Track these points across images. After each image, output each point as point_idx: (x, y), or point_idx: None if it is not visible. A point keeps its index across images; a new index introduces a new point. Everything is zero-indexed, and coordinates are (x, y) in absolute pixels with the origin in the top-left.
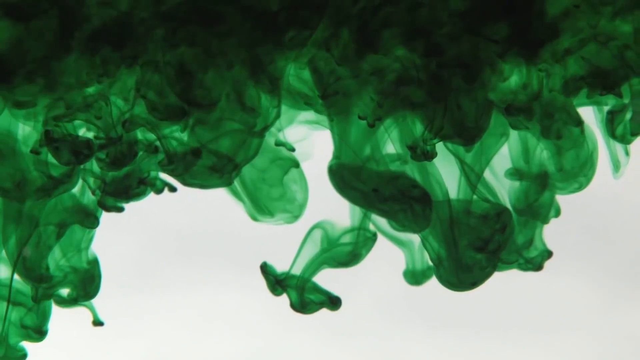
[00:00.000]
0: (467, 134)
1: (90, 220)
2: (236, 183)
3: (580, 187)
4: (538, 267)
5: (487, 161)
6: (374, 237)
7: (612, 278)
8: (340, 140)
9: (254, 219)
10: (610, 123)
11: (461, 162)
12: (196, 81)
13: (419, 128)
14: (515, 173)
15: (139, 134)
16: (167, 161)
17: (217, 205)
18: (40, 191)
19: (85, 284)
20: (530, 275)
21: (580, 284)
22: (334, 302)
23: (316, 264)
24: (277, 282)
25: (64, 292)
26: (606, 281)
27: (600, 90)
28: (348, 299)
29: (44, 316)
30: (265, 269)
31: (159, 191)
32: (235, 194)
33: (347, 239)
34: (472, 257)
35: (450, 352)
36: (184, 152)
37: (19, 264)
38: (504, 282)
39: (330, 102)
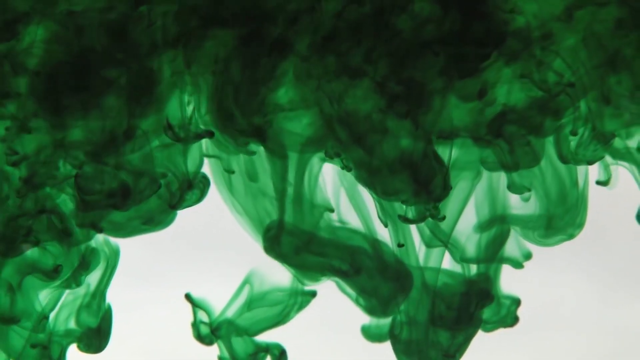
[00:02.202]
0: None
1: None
2: None
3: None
4: (514, 320)
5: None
6: (312, 296)
7: (608, 274)
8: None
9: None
10: (558, 146)
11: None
12: None
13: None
14: (481, 226)
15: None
16: None
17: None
18: None
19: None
20: (525, 271)
21: (576, 280)
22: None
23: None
24: (212, 331)
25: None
26: (601, 277)
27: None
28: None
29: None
30: (189, 299)
31: None
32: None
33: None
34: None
35: None
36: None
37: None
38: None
39: None
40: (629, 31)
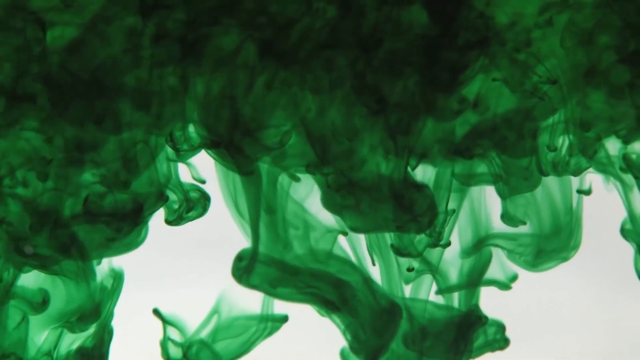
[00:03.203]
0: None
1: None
2: None
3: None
4: (505, 342)
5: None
6: (283, 321)
7: (606, 275)
8: None
9: None
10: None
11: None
12: None
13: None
14: (466, 252)
15: None
16: None
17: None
18: None
19: None
20: (523, 272)
21: (573, 281)
22: None
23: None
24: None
25: None
26: (599, 278)
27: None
28: None
29: None
30: (158, 315)
31: None
32: None
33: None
34: None
35: None
36: None
37: None
38: None
39: None
40: (607, 36)
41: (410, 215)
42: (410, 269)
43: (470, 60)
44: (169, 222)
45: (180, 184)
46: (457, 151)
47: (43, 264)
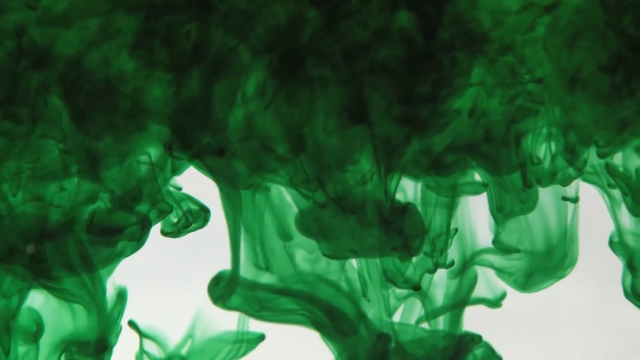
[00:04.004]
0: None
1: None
2: None
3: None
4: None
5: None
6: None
7: (603, 275)
8: None
9: None
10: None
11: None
12: None
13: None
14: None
15: None
16: None
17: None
18: None
19: None
20: None
21: (571, 282)
22: None
23: None
24: None
25: None
26: (596, 278)
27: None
28: None
29: None
30: (133, 327)
31: None
32: None
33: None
34: None
35: None
36: None
37: None
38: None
39: None
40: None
41: (400, 239)
42: (417, 288)
43: (456, 67)
44: (165, 233)
45: (180, 197)
46: (437, 166)
47: (54, 285)
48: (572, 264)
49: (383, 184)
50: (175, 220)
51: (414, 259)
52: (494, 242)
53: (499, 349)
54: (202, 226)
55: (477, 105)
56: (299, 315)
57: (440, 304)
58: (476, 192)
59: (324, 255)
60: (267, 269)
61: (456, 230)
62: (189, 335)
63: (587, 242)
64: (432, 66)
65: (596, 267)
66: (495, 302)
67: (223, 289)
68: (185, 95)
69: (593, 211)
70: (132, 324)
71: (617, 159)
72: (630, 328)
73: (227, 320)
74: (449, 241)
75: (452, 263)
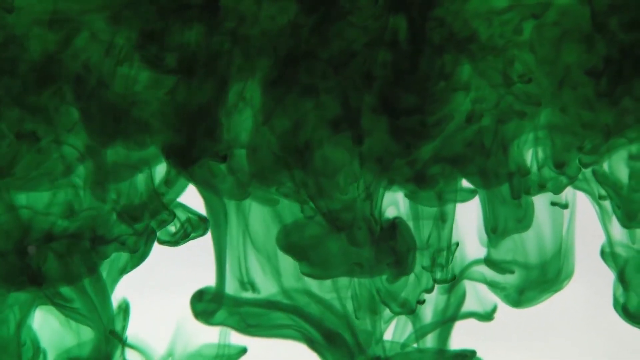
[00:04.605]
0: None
1: None
2: None
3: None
4: None
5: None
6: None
7: (599, 276)
8: None
9: None
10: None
11: None
12: None
13: None
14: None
15: None
16: None
17: None
18: None
19: None
20: None
21: (573, 281)
22: None
23: None
24: None
25: None
26: (592, 279)
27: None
28: None
29: None
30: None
31: None
32: None
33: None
34: None
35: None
36: None
37: None
38: None
39: None
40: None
41: (391, 257)
42: (421, 302)
43: (444, 71)
44: (162, 242)
45: (180, 208)
46: (420, 178)
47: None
48: (568, 276)
49: (372, 198)
50: (173, 230)
51: (409, 278)
52: (486, 260)
53: (493, 354)
54: (201, 235)
55: (475, 111)
56: (288, 330)
57: (429, 321)
58: (465, 200)
59: (304, 274)
60: (252, 287)
61: (457, 244)
62: (170, 353)
63: (583, 245)
64: (421, 72)
65: (597, 267)
66: (486, 316)
67: (207, 305)
68: (186, 101)
69: (589, 213)
70: (114, 333)
71: (607, 167)
72: (632, 328)
73: (209, 333)
74: (450, 257)
75: (454, 277)
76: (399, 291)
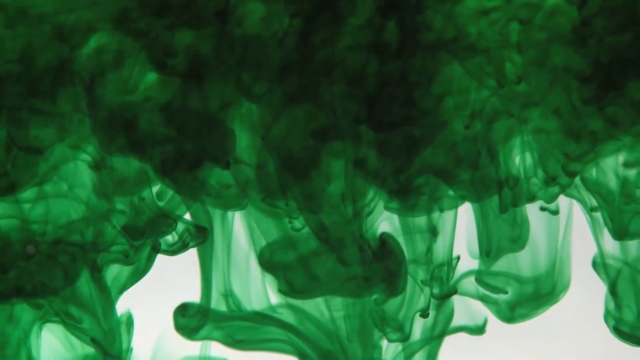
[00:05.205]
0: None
1: None
2: None
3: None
4: None
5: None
6: None
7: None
8: None
9: None
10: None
11: None
12: None
13: None
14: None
15: None
16: None
17: None
18: None
19: None
20: None
21: (572, 281)
22: None
23: None
24: None
25: None
26: (589, 279)
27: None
28: None
29: None
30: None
31: None
32: None
33: None
34: None
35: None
36: None
37: None
38: None
39: None
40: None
41: (382, 276)
42: (425, 315)
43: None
44: (160, 252)
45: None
46: (403, 191)
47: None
48: (564, 288)
49: (361, 214)
50: (171, 240)
51: (403, 300)
52: (478, 279)
53: (497, 352)
54: (199, 244)
55: (473, 116)
56: (277, 343)
57: (418, 338)
58: (453, 207)
59: (280, 292)
60: (238, 306)
61: (458, 257)
62: None
63: (588, 242)
64: (411, 80)
65: (591, 269)
66: (477, 330)
67: (190, 321)
68: (191, 106)
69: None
70: (94, 341)
71: (596, 174)
72: None
73: (191, 345)
74: (451, 272)
75: (455, 291)
76: (393, 314)
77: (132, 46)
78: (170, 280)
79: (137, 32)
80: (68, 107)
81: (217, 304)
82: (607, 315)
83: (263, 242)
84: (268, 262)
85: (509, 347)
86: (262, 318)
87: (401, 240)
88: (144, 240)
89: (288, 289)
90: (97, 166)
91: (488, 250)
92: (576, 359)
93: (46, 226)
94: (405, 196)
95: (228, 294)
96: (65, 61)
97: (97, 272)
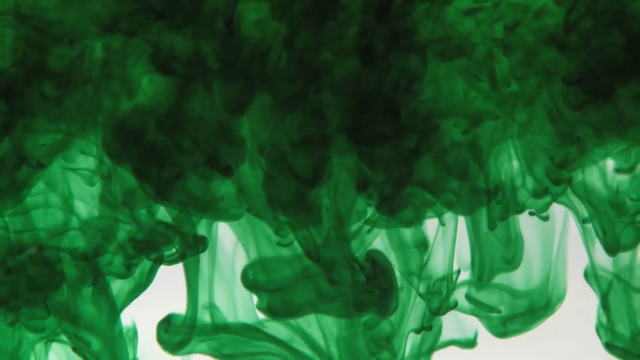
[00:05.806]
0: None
1: None
2: None
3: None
4: None
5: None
6: None
7: None
8: None
9: None
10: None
11: None
12: None
13: None
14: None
15: None
16: None
17: None
18: None
19: None
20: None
21: (572, 281)
22: None
23: None
24: None
25: None
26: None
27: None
28: None
29: None
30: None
31: None
32: None
33: None
34: None
35: None
36: None
37: None
38: None
39: None
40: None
41: (372, 296)
42: (428, 328)
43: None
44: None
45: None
46: (387, 205)
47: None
48: (560, 300)
49: (344, 227)
50: (168, 252)
51: (394, 321)
52: (468, 297)
53: (496, 353)
54: (198, 254)
55: (473, 122)
56: (263, 356)
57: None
58: (440, 214)
59: (260, 308)
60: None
61: (459, 271)
62: None
63: (578, 245)
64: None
65: None
66: (468, 344)
67: (175, 335)
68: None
69: None
70: (77, 350)
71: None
72: None
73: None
74: (451, 286)
75: (455, 304)
76: (384, 334)
77: (136, 50)
78: (163, 287)
79: (140, 37)
80: (74, 113)
81: (203, 316)
82: (600, 328)
83: (251, 253)
84: (252, 283)
85: (506, 349)
86: (251, 331)
87: (394, 255)
88: (147, 252)
89: (269, 311)
90: (103, 176)
91: (480, 274)
92: (578, 358)
93: (49, 236)
94: (394, 208)
95: (212, 306)
96: (70, 66)
97: (101, 286)
